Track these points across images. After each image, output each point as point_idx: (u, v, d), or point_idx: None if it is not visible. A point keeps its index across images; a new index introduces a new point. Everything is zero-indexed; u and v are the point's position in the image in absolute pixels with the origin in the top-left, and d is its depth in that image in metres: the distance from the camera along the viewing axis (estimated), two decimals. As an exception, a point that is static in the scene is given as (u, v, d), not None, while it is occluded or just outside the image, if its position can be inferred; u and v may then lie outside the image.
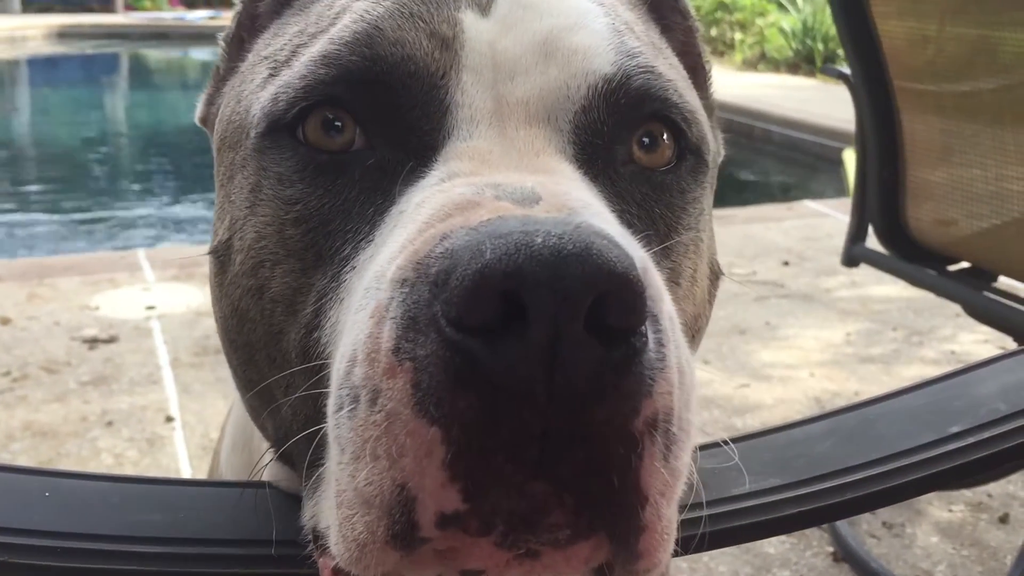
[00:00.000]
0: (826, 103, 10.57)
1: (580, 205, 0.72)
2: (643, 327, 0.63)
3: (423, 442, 0.62)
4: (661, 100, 0.87)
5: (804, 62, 14.54)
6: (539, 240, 0.61)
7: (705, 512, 0.79)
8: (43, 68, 18.24)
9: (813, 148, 9.71)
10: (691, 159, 0.91)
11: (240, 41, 1.04)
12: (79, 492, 0.82)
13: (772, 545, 2.82)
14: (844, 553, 2.76)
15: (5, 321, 4.36)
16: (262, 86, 0.90)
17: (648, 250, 0.78)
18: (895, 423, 0.89)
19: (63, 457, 3.22)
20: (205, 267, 0.95)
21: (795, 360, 4.14)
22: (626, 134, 0.87)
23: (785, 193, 8.95)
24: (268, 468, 0.89)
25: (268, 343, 0.84)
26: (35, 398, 3.63)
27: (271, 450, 0.88)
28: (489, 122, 0.82)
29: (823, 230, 6.12)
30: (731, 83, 12.57)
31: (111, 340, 4.18)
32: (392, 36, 0.83)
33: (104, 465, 3.18)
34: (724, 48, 16.17)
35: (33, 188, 9.34)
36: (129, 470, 3.13)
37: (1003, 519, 2.98)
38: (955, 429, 0.85)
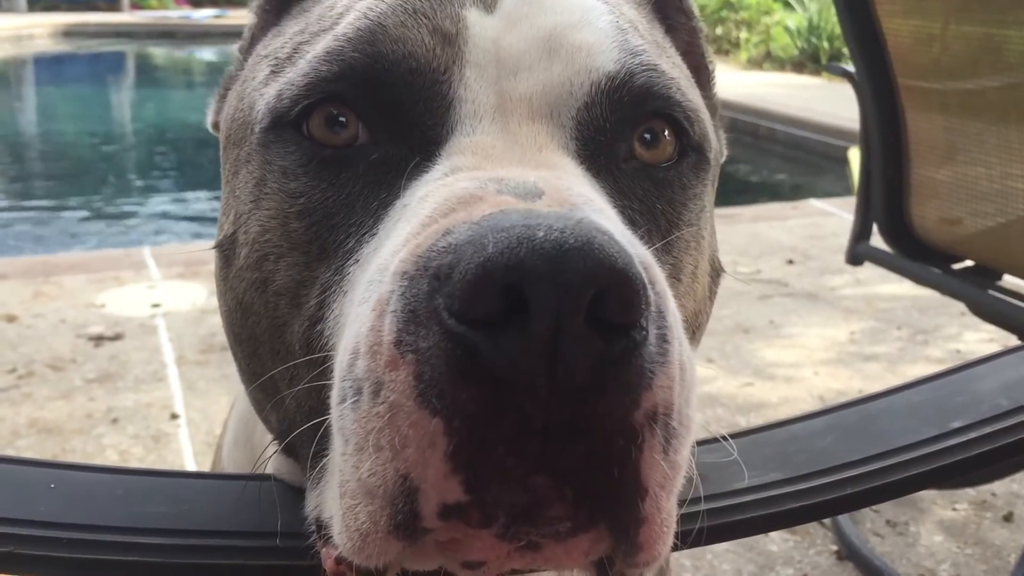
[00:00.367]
0: (831, 102, 10.56)
1: (582, 200, 0.73)
2: (643, 321, 0.64)
3: (426, 433, 0.63)
4: (663, 98, 0.88)
5: (809, 61, 14.53)
6: (541, 234, 0.61)
7: (704, 507, 0.80)
8: (49, 67, 18.28)
9: (818, 147, 9.70)
10: (693, 156, 0.91)
11: (248, 50, 1.06)
12: (84, 484, 0.82)
13: (775, 543, 2.82)
14: (848, 551, 2.76)
15: (11, 318, 4.37)
16: (265, 83, 0.91)
17: (650, 246, 0.79)
18: (896, 418, 0.89)
19: (68, 454, 3.23)
20: (210, 265, 0.95)
21: (799, 359, 4.14)
22: (628, 131, 0.87)
23: (790, 192, 8.94)
24: (271, 461, 0.90)
25: (272, 336, 0.84)
26: (41, 395, 3.64)
27: (275, 442, 0.89)
28: (492, 117, 0.82)
29: (828, 229, 6.11)
30: (736, 82, 12.57)
31: (116, 337, 4.19)
32: (394, 33, 0.83)
33: (109, 462, 3.19)
34: (729, 47, 16.15)
35: (39, 186, 9.36)
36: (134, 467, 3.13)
37: (1007, 517, 2.98)
38: (956, 424, 0.85)
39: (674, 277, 0.88)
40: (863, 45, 2.53)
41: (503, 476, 0.63)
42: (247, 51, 1.06)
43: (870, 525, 2.92)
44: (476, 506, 0.64)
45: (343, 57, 0.83)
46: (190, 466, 3.17)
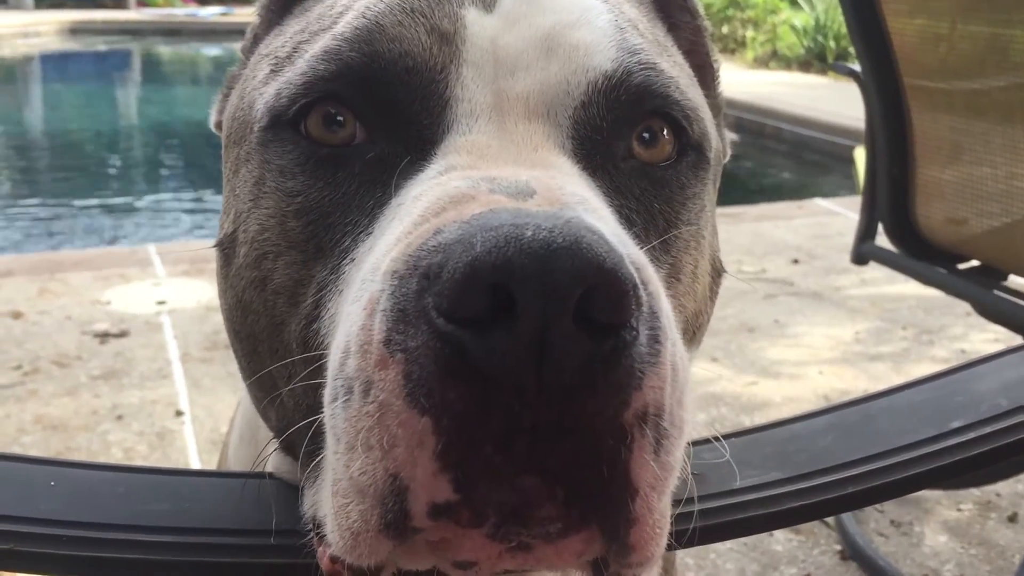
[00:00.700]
0: (837, 101, 10.54)
1: (574, 200, 0.73)
2: (633, 321, 0.64)
3: (414, 432, 0.63)
4: (662, 97, 0.88)
5: (816, 60, 14.50)
6: (529, 233, 0.61)
7: (703, 506, 0.80)
8: (56, 64, 18.30)
9: (824, 146, 9.68)
10: (692, 155, 0.91)
11: (250, 51, 1.06)
12: (85, 481, 0.83)
13: (779, 543, 2.82)
14: (852, 551, 2.75)
15: (17, 315, 4.38)
16: (264, 82, 0.91)
17: (646, 245, 0.79)
18: (896, 418, 0.89)
19: (73, 451, 3.24)
20: (215, 262, 0.96)
21: (804, 358, 4.13)
22: (626, 130, 0.87)
23: (795, 191, 8.93)
24: (272, 459, 0.90)
25: (271, 334, 0.85)
26: (46, 392, 3.65)
27: (274, 440, 0.89)
28: (488, 116, 0.82)
29: (833, 228, 6.10)
30: (742, 81, 12.55)
31: (122, 335, 4.20)
32: (392, 32, 0.84)
33: (114, 459, 3.20)
34: (735, 46, 16.13)
35: (44, 183, 9.38)
36: (139, 463, 3.14)
37: (1012, 518, 2.97)
38: (956, 424, 0.85)
39: (673, 277, 0.88)
40: (869, 44, 2.53)
41: (492, 475, 0.63)
42: (250, 51, 1.06)
43: (874, 525, 2.91)
44: (466, 505, 0.64)
45: (340, 56, 0.83)
46: (194, 463, 3.18)
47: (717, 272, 1.00)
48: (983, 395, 0.88)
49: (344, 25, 0.86)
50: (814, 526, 2.90)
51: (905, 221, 2.60)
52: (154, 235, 7.29)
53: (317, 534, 0.77)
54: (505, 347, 0.60)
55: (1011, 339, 3.65)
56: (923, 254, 2.59)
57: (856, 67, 2.69)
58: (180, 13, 23.73)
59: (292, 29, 0.96)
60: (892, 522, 2.93)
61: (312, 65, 0.84)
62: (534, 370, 0.61)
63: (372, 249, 0.76)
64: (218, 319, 0.92)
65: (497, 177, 0.74)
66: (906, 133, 2.55)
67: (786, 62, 15.02)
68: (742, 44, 16.06)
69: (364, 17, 0.85)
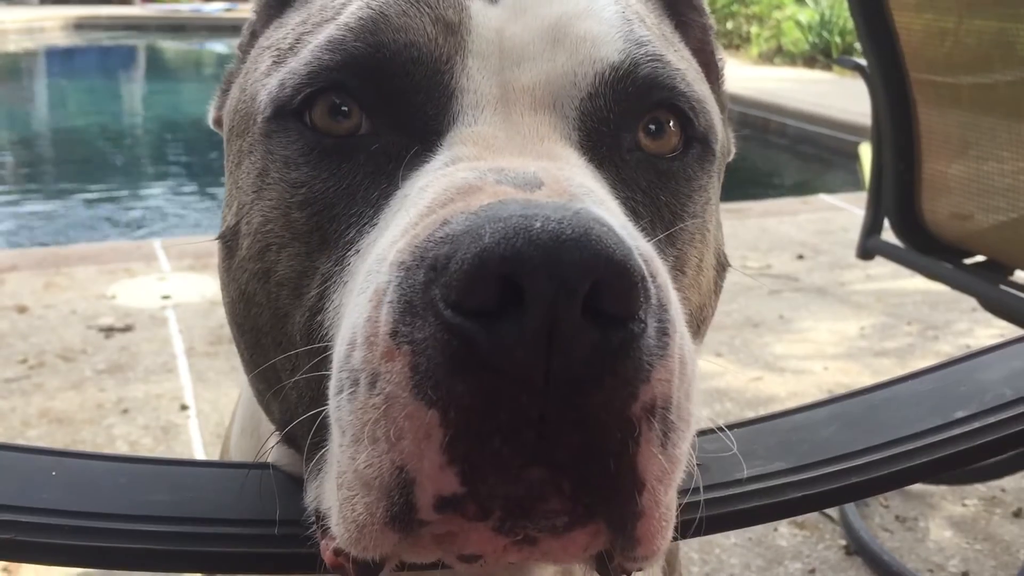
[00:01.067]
0: (842, 97, 10.51)
1: (582, 191, 0.72)
2: (642, 313, 0.63)
3: (421, 425, 0.63)
4: (668, 88, 0.87)
5: (821, 56, 14.47)
6: (538, 224, 0.61)
7: (707, 496, 0.79)
8: (60, 59, 18.33)
9: (829, 142, 9.66)
10: (698, 147, 0.91)
11: (248, 47, 1.06)
12: (86, 472, 0.83)
13: (784, 537, 2.81)
14: (856, 546, 2.75)
15: (22, 309, 4.39)
16: (267, 73, 0.91)
17: (652, 238, 0.78)
18: (900, 408, 0.89)
19: (78, 444, 3.24)
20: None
21: (808, 353, 4.13)
22: (632, 121, 0.87)
23: (800, 187, 8.91)
24: (273, 451, 0.89)
25: (274, 326, 0.84)
26: (51, 386, 3.65)
27: (276, 433, 0.89)
28: (494, 107, 0.82)
29: (838, 224, 6.09)
30: (747, 76, 12.53)
31: (127, 329, 4.21)
32: (396, 22, 0.83)
33: (119, 452, 3.20)
34: (740, 42, 16.11)
35: (50, 178, 9.40)
36: (143, 458, 3.14)
37: (1017, 513, 2.96)
38: (960, 414, 0.85)
39: (678, 270, 0.87)
40: (875, 39, 2.52)
41: (499, 468, 0.63)
42: (247, 47, 1.06)
43: (879, 520, 2.91)
44: (472, 499, 0.64)
45: (345, 46, 0.83)
46: (199, 456, 3.18)
47: (722, 266, 1.00)
48: (987, 385, 0.88)
49: (348, 15, 0.86)
50: (819, 521, 2.90)
51: (911, 216, 2.59)
52: (159, 230, 7.30)
53: (320, 527, 0.76)
54: (513, 339, 0.60)
55: (1016, 334, 3.64)
56: (929, 249, 2.58)
57: (862, 62, 2.68)
58: (184, 9, 23.76)
59: (294, 20, 0.96)
60: (897, 517, 2.93)
61: (316, 55, 0.84)
62: (542, 362, 0.60)
63: (377, 240, 0.75)
64: (223, 313, 0.92)
65: (504, 168, 0.74)
66: (912, 128, 2.54)
67: (791, 58, 14.99)
68: (746, 40, 16.03)
69: (369, 7, 0.85)
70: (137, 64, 18.60)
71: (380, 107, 0.83)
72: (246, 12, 1.10)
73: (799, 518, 2.89)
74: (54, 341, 4.06)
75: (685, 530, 0.77)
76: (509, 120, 0.82)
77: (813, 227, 6.06)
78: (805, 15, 15.21)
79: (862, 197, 2.86)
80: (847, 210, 6.39)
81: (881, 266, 3.56)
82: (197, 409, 3.51)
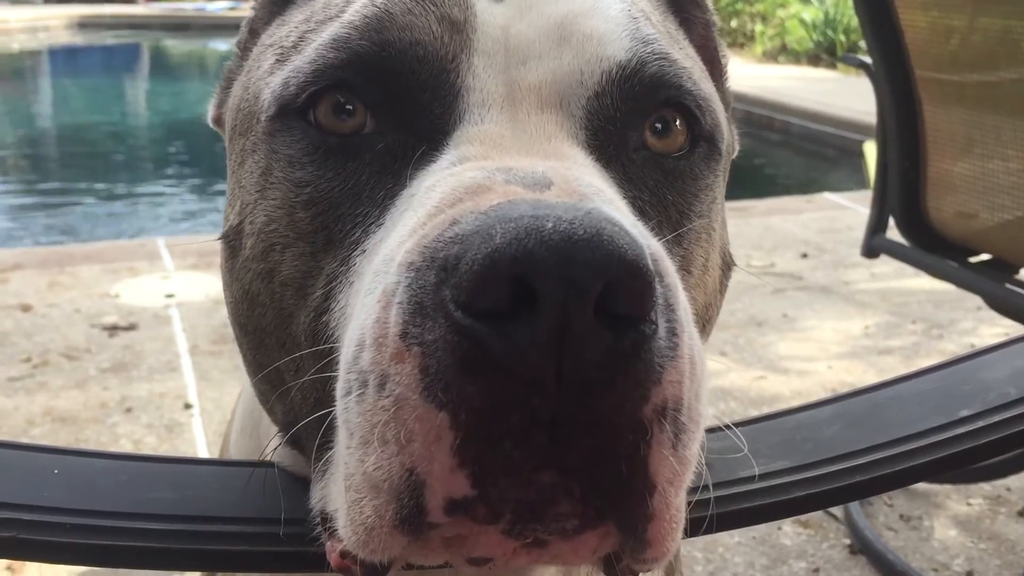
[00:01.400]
0: (847, 95, 10.49)
1: (591, 191, 0.72)
2: (653, 314, 0.63)
3: (431, 427, 0.62)
4: (675, 87, 0.87)
5: (825, 54, 14.45)
6: (549, 225, 0.60)
7: (712, 494, 0.79)
8: (64, 58, 18.35)
9: (833, 140, 9.65)
10: (704, 146, 0.90)
11: (248, 44, 1.05)
12: (88, 470, 0.82)
13: (788, 536, 2.81)
14: (861, 545, 2.74)
15: (26, 308, 4.39)
16: (270, 72, 0.90)
17: (660, 237, 0.78)
18: (904, 407, 0.88)
19: (82, 443, 3.25)
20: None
21: (813, 352, 4.12)
22: (639, 120, 0.86)
23: (804, 185, 8.90)
24: (275, 452, 0.89)
25: (278, 327, 0.84)
26: (55, 384, 3.65)
27: (279, 434, 0.88)
28: (501, 106, 0.81)
29: (842, 222, 6.08)
30: (751, 75, 12.51)
31: (131, 327, 4.21)
32: (402, 20, 0.83)
33: (123, 451, 3.20)
34: (744, 40, 16.09)
35: (54, 177, 9.40)
36: (147, 456, 3.14)
37: (1022, 512, 2.96)
38: (964, 413, 0.85)
39: (684, 269, 0.87)
40: (880, 37, 2.51)
41: (510, 471, 0.62)
42: (246, 45, 1.05)
43: (883, 519, 2.90)
44: (483, 501, 0.63)
45: (350, 44, 0.82)
46: (203, 455, 3.18)
47: (727, 265, 1.00)
48: (991, 384, 0.88)
49: (353, 13, 0.85)
50: (823, 520, 2.90)
51: (916, 214, 2.58)
52: (163, 228, 7.31)
53: (326, 528, 0.76)
54: (525, 340, 0.59)
55: (1021, 333, 3.63)
56: (934, 247, 2.57)
57: (867, 59, 2.67)
58: (188, 7, 23.77)
59: (296, 18, 0.95)
60: (901, 516, 2.92)
61: (321, 53, 0.83)
62: (553, 364, 0.60)
63: (384, 240, 0.75)
64: (226, 312, 0.91)
65: (513, 168, 0.73)
66: (917, 126, 2.53)
67: (795, 56, 14.97)
68: (751, 38, 16.01)
69: (373, 5, 0.84)
70: (141, 63, 18.61)
71: (385, 106, 0.82)
72: (249, 11, 1.09)
73: (803, 517, 2.88)
74: (58, 340, 4.06)
75: (691, 529, 0.76)
76: (516, 119, 0.81)
77: (817, 225, 6.05)
78: (809, 13, 15.18)
79: (867, 195, 2.86)
80: (852, 208, 6.38)
81: (885, 265, 3.56)
82: (201, 408, 3.51)
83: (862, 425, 0.88)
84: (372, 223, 0.78)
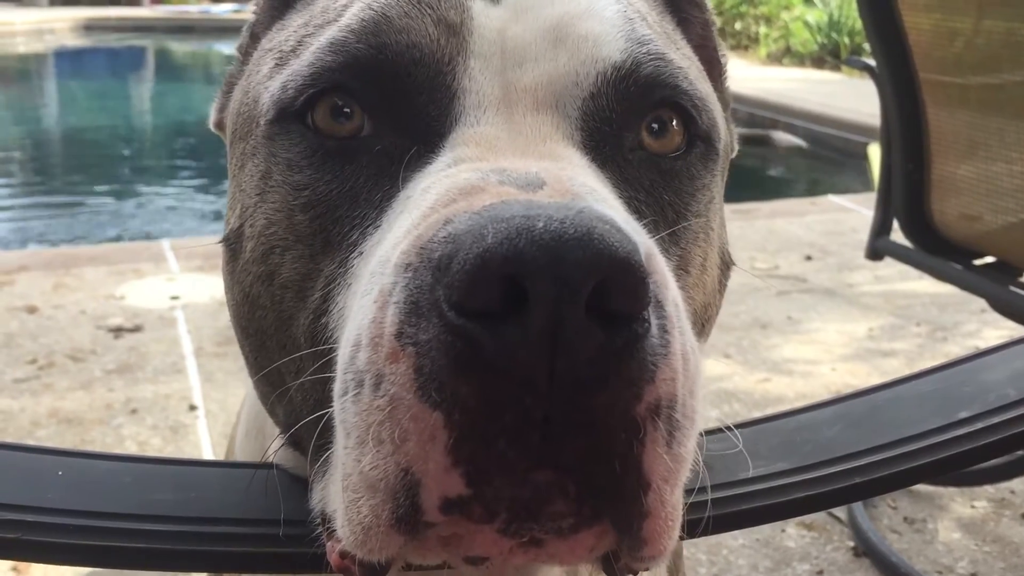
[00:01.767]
0: (851, 98, 10.48)
1: (584, 191, 0.72)
2: (645, 313, 0.63)
3: (426, 427, 0.63)
4: (671, 87, 0.87)
5: (829, 56, 14.44)
6: (540, 224, 0.61)
7: (711, 495, 0.79)
8: (70, 61, 18.38)
9: (837, 143, 9.63)
10: (701, 146, 0.91)
11: (249, 48, 1.06)
12: (91, 471, 0.83)
13: (792, 539, 2.81)
14: (865, 547, 2.74)
15: (32, 310, 4.41)
16: (269, 76, 0.91)
17: (655, 236, 0.78)
18: (903, 408, 0.88)
19: (88, 444, 3.25)
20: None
21: (816, 355, 4.12)
22: (635, 121, 0.87)
23: (809, 188, 8.89)
24: (278, 454, 0.89)
25: (278, 329, 0.84)
26: (61, 386, 3.66)
27: (280, 435, 0.89)
28: (496, 108, 0.82)
29: (847, 225, 6.07)
30: (755, 77, 12.51)
31: (136, 329, 4.22)
32: (398, 24, 0.83)
33: (128, 452, 3.21)
34: (748, 42, 16.08)
35: (59, 179, 9.43)
36: (151, 458, 3.15)
37: (1026, 516, 2.95)
38: (964, 414, 0.85)
39: (682, 269, 0.87)
40: (884, 39, 2.51)
41: (504, 470, 0.63)
42: (247, 49, 1.06)
43: (887, 522, 2.90)
44: (478, 500, 0.64)
45: (347, 47, 0.83)
46: (208, 457, 3.19)
47: (726, 264, 1.00)
48: (991, 385, 0.88)
49: (350, 17, 0.86)
50: (827, 522, 2.89)
51: (920, 217, 2.58)
52: (168, 230, 7.32)
53: (326, 529, 0.76)
54: (517, 340, 0.60)
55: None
56: (938, 250, 2.57)
57: (871, 62, 2.67)
58: (193, 10, 23.81)
59: (296, 23, 0.96)
60: (905, 519, 2.92)
61: (319, 56, 0.84)
62: (546, 363, 0.60)
63: (381, 242, 0.75)
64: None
65: (507, 169, 0.74)
66: (921, 128, 2.53)
67: (799, 58, 14.96)
68: (755, 40, 16.00)
69: (371, 8, 0.85)
70: (146, 65, 18.64)
71: (382, 108, 0.83)
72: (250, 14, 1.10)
73: (807, 519, 2.88)
74: (63, 341, 4.07)
75: (691, 529, 0.76)
76: (511, 121, 0.82)
77: (822, 228, 6.04)
78: (814, 16, 15.17)
79: (871, 198, 2.85)
80: (856, 211, 6.37)
81: (889, 267, 3.55)
82: (206, 409, 3.52)
83: (862, 426, 0.88)
84: (369, 225, 0.79)
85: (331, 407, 0.72)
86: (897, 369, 3.99)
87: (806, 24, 15.17)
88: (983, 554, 2.76)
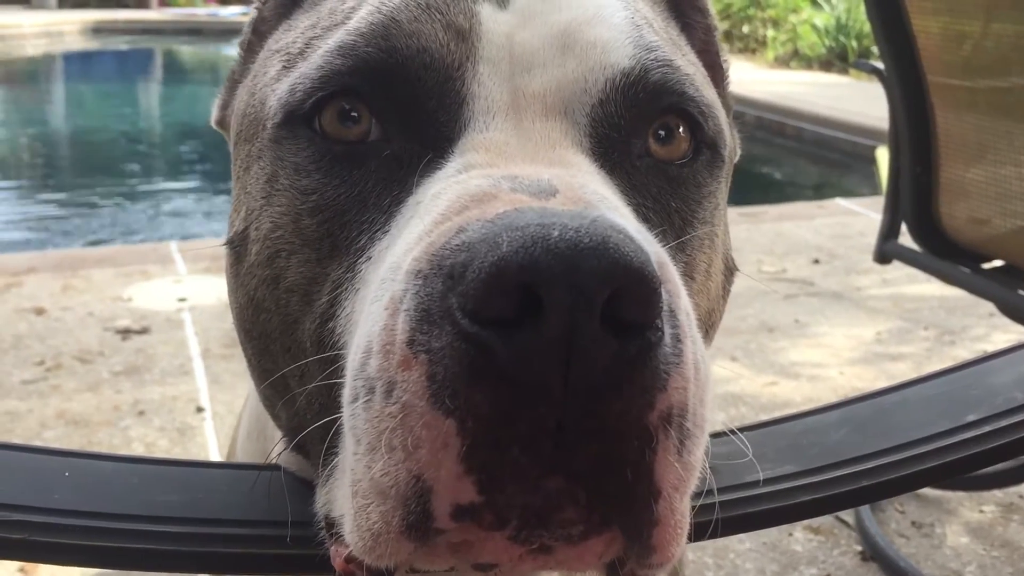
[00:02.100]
0: (859, 101, 10.46)
1: (596, 199, 0.72)
2: (658, 321, 0.63)
3: (439, 434, 0.62)
4: (678, 94, 0.87)
5: (837, 59, 14.41)
6: (556, 233, 0.61)
7: (717, 499, 0.79)
8: (78, 63, 18.44)
9: (845, 146, 9.62)
10: (707, 153, 0.91)
11: (252, 45, 1.06)
12: (98, 472, 0.83)
13: (799, 543, 2.80)
14: (872, 552, 2.73)
15: (40, 312, 4.42)
16: (277, 78, 0.91)
17: (664, 244, 0.78)
18: (911, 412, 0.88)
19: (95, 446, 3.26)
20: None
21: (824, 358, 4.11)
22: (643, 127, 0.86)
23: (816, 191, 8.88)
24: (280, 457, 0.89)
25: (283, 333, 0.84)
26: (68, 387, 3.67)
27: (284, 439, 0.89)
28: (506, 114, 0.82)
29: (854, 228, 6.06)
30: (763, 80, 12.49)
31: (143, 331, 4.23)
32: (408, 28, 0.83)
33: (135, 453, 3.21)
34: (756, 45, 16.06)
35: (67, 181, 9.45)
36: (158, 459, 3.15)
37: (1034, 520, 2.94)
38: (971, 418, 0.85)
39: (688, 276, 0.87)
40: (893, 42, 2.50)
41: (516, 477, 0.63)
42: (249, 46, 1.05)
43: (895, 526, 2.89)
44: (489, 508, 0.64)
45: (357, 51, 0.83)
46: (215, 458, 3.19)
47: (729, 270, 1.00)
48: (998, 389, 0.88)
49: (359, 20, 0.85)
50: (834, 526, 2.88)
51: (928, 220, 2.57)
52: (175, 232, 7.33)
53: (331, 533, 0.76)
54: (532, 348, 0.60)
55: (1035, 340, 3.60)
56: (946, 253, 2.56)
57: (879, 65, 2.67)
58: (201, 13, 23.85)
59: (303, 24, 0.95)
60: (913, 523, 2.91)
61: (328, 60, 0.84)
62: (561, 371, 0.60)
63: (390, 247, 0.75)
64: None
65: (518, 176, 0.73)
66: (929, 132, 2.53)
67: (807, 61, 14.94)
68: (763, 43, 15.98)
69: (380, 12, 0.85)
70: (154, 68, 18.70)
71: (391, 113, 0.82)
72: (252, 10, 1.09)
73: (814, 523, 2.88)
74: (71, 343, 4.08)
75: (697, 533, 0.76)
76: (520, 127, 0.81)
77: (829, 231, 6.03)
78: (821, 19, 15.15)
79: (879, 201, 2.85)
80: (864, 214, 6.36)
81: (897, 270, 3.54)
82: (213, 411, 3.52)
83: (868, 430, 0.88)
84: (378, 230, 0.79)
85: (338, 413, 0.71)
86: (905, 373, 3.98)
87: (814, 27, 15.15)
88: (991, 559, 2.75)
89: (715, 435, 0.84)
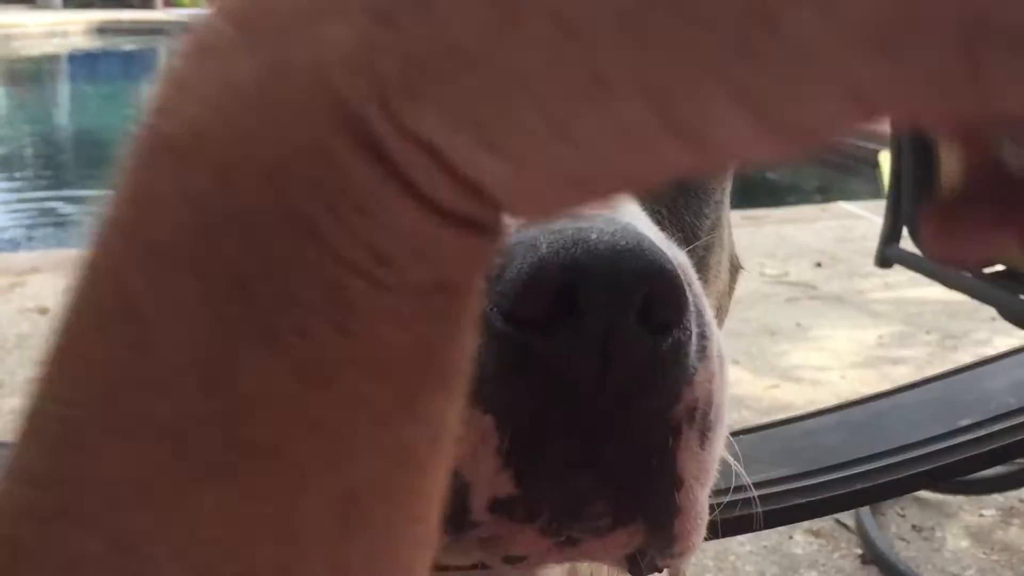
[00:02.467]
0: (864, 104, 10.46)
1: (621, 206, 0.74)
2: (686, 319, 0.64)
3: (478, 430, 0.64)
4: None
5: (842, 62, 14.43)
6: (594, 236, 0.62)
7: (730, 497, 0.80)
8: (83, 63, 18.48)
9: (848, 149, 9.58)
10: None
11: None
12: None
13: (799, 546, 2.80)
14: (872, 555, 2.74)
15: (43, 311, 4.43)
16: None
17: (682, 249, 0.80)
18: (905, 416, 0.89)
19: (96, 445, 3.27)
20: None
21: (826, 362, 4.11)
22: None
23: (819, 194, 8.88)
24: None
25: None
26: (70, 387, 3.68)
27: None
28: None
29: (857, 232, 6.06)
30: (767, 83, 12.50)
31: (145, 331, 4.24)
32: None
33: (136, 454, 3.22)
34: (761, 48, 16.09)
35: (72, 181, 9.47)
36: (160, 459, 3.15)
37: (1035, 525, 2.95)
38: (965, 423, 0.85)
39: (700, 277, 0.89)
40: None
41: (551, 471, 0.64)
42: None
43: (895, 529, 2.89)
44: (523, 501, 0.65)
45: None
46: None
47: (734, 268, 1.02)
48: (992, 393, 0.88)
49: None
50: (834, 530, 2.89)
51: (929, 224, 2.57)
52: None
53: None
54: (571, 346, 0.61)
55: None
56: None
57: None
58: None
59: None
60: (913, 527, 2.91)
61: None
62: (597, 368, 0.62)
63: None
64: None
65: None
66: (931, 135, 2.53)
67: (812, 64, 14.95)
68: (768, 46, 16.01)
69: None
70: (159, 68, 18.72)
71: None
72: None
73: (814, 526, 2.88)
74: (74, 343, 4.09)
75: (712, 531, 0.78)
76: None
77: (832, 235, 6.04)
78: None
79: (881, 205, 2.85)
80: (866, 218, 6.36)
81: (899, 274, 3.55)
82: (215, 411, 3.53)
83: (863, 433, 0.88)
84: None
85: None
86: (906, 377, 3.97)
87: (818, 30, 15.17)
88: (991, 563, 2.75)
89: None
